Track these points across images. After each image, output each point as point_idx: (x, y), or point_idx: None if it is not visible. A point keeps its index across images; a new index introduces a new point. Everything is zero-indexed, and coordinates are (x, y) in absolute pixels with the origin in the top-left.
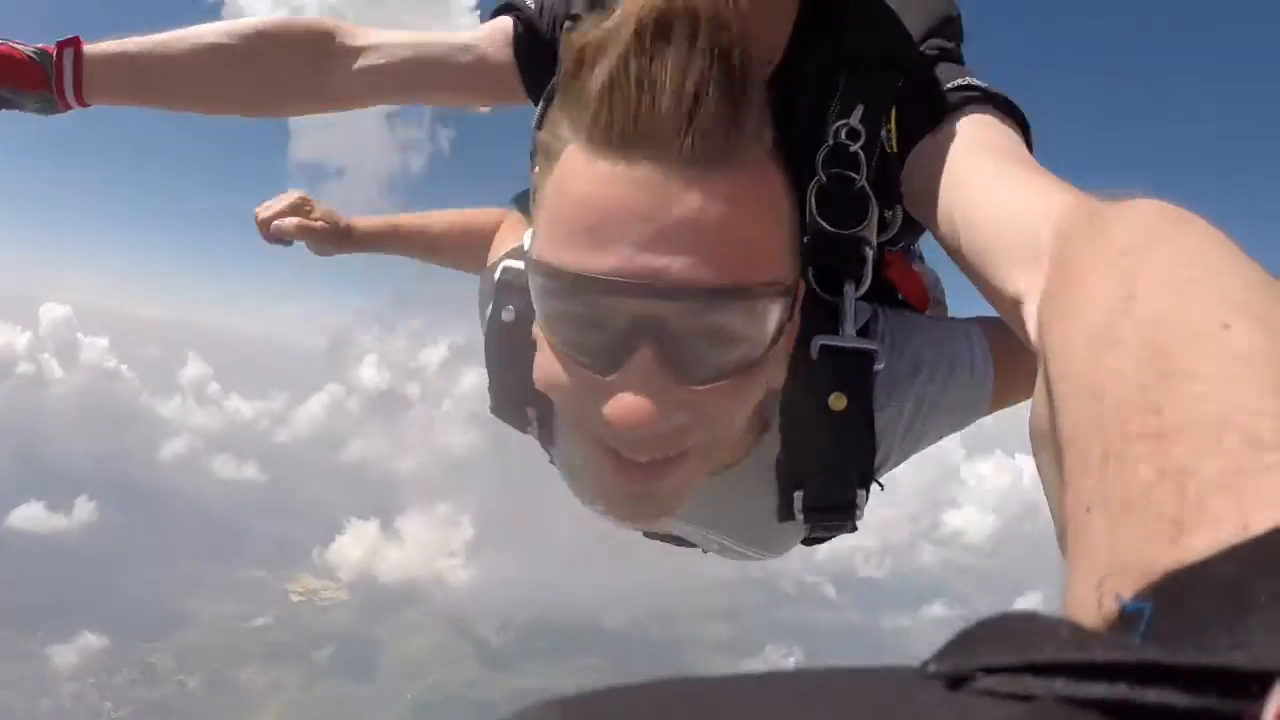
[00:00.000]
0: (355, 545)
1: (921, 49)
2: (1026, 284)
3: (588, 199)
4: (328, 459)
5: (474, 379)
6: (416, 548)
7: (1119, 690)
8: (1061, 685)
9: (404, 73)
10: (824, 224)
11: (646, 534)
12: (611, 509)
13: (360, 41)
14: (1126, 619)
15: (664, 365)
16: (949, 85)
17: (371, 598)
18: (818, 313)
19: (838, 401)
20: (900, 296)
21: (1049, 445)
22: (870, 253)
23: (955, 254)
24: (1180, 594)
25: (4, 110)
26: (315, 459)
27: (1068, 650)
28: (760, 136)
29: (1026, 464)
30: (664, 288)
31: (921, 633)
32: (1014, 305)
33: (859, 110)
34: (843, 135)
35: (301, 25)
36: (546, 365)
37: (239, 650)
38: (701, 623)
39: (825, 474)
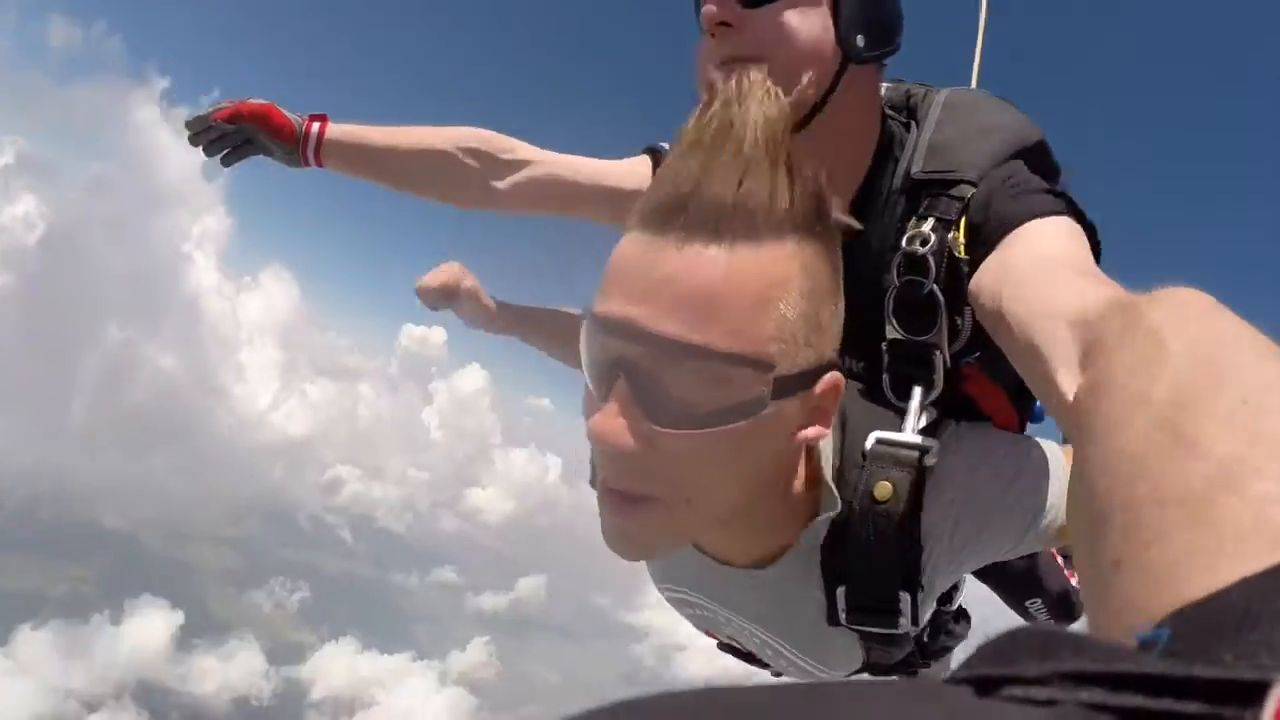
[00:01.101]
0: None
1: (998, 167)
2: (1069, 381)
3: (614, 259)
4: None
5: None
6: None
7: (1133, 698)
8: (1080, 693)
9: (564, 193)
10: (897, 330)
11: (720, 646)
12: (606, 538)
13: (536, 158)
14: (1145, 645)
15: (634, 399)
16: (1017, 194)
17: None
18: (870, 416)
19: (883, 490)
20: (980, 410)
21: (1082, 514)
22: (939, 358)
23: (1011, 358)
24: (1194, 620)
25: (259, 155)
26: None
27: (1088, 662)
28: (783, 231)
29: (554, 462)
30: (633, 331)
31: (426, 596)
32: (1059, 402)
33: (931, 219)
34: (915, 242)
35: (494, 139)
36: (585, 396)
37: None
38: (209, 546)
39: (866, 569)
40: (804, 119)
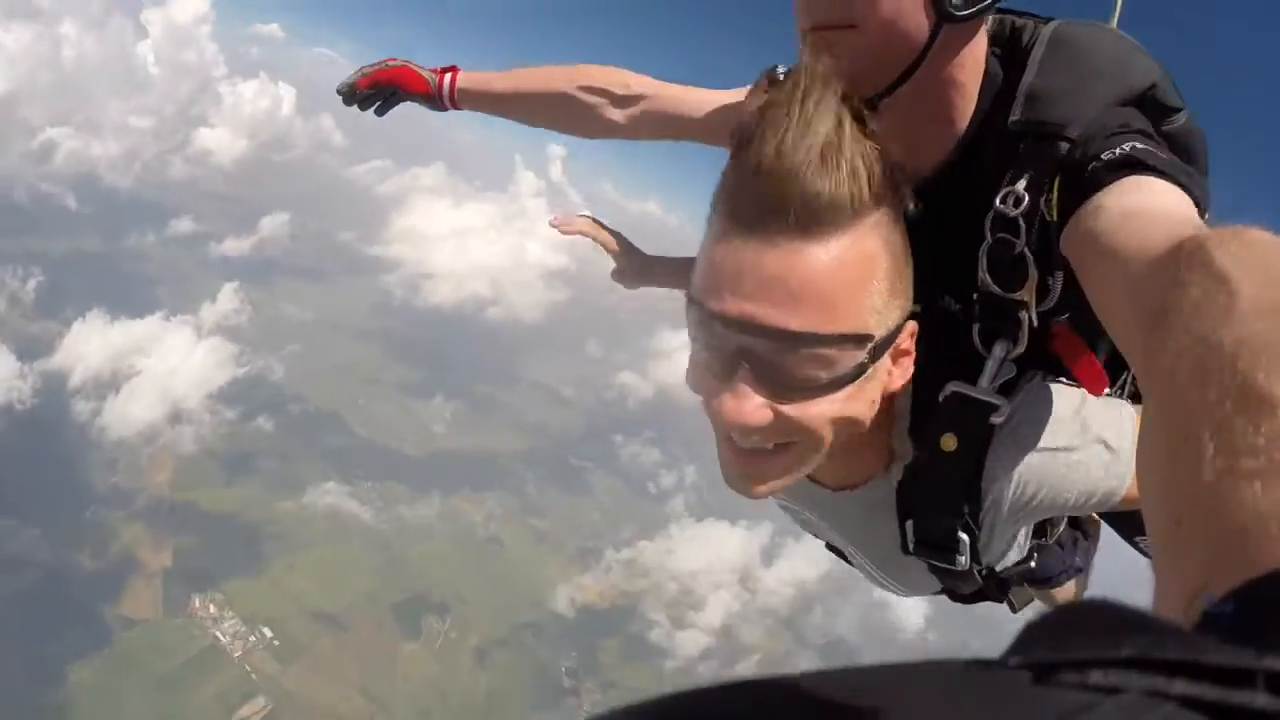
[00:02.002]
0: None
1: (1104, 119)
2: (1139, 335)
3: (719, 262)
4: None
5: None
6: None
7: (1196, 688)
8: (1142, 680)
9: (675, 124)
10: (990, 285)
11: (827, 547)
12: (728, 481)
13: (649, 91)
14: (1208, 619)
15: (758, 382)
16: (1115, 153)
17: None
18: (964, 363)
19: (948, 442)
20: (1068, 370)
21: (1147, 469)
22: (1026, 316)
23: (1102, 319)
24: (1262, 597)
25: (405, 102)
26: None
27: (1149, 645)
28: (864, 213)
29: (287, 93)
30: (751, 327)
31: (166, 251)
32: (1132, 356)
33: (1025, 178)
34: (1009, 201)
35: (611, 76)
36: (691, 370)
37: None
38: None
39: (930, 509)
40: (895, 82)
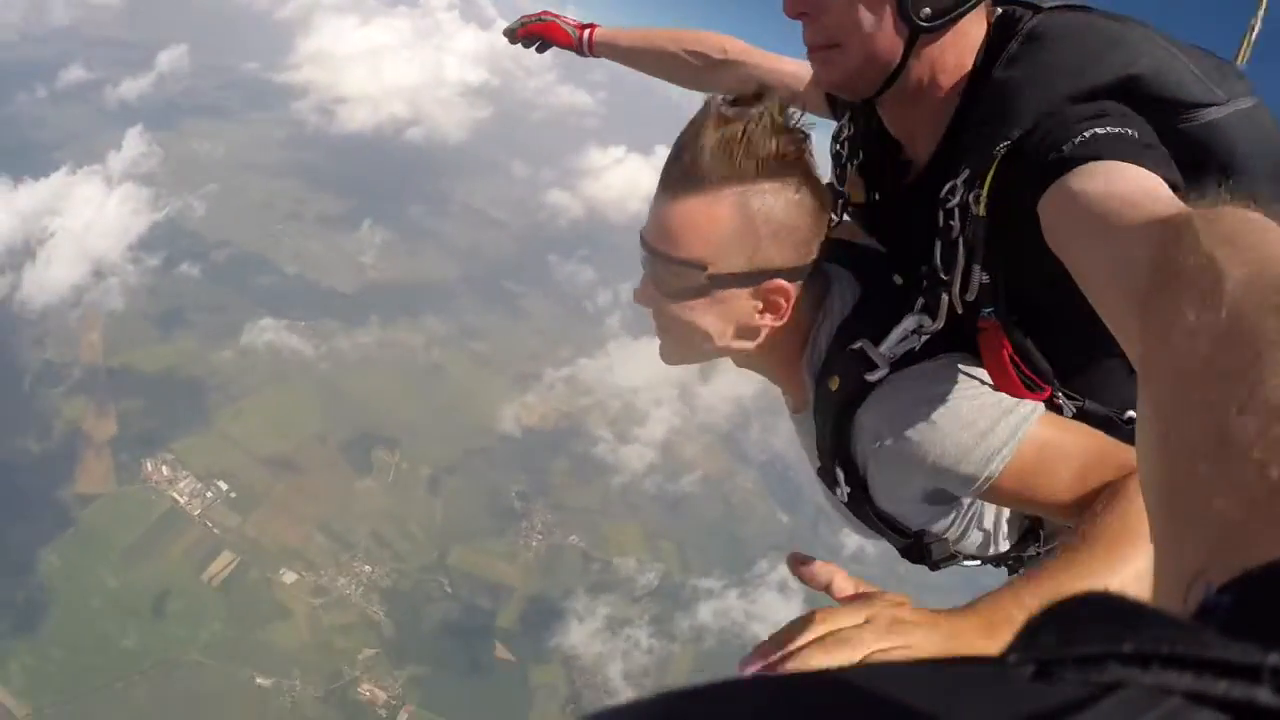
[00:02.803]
0: None
1: (1064, 111)
2: (1131, 322)
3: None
4: None
5: None
6: None
7: (1199, 682)
8: (1144, 676)
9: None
10: (936, 260)
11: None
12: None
13: (740, 58)
14: (1205, 611)
15: (645, 278)
16: (1075, 141)
17: None
18: (881, 327)
19: (833, 383)
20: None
21: (1142, 459)
22: (945, 297)
23: (1093, 304)
24: (1258, 590)
25: (551, 48)
26: None
27: (1150, 640)
28: (720, 188)
29: None
30: (642, 241)
31: (60, 104)
32: (1126, 344)
33: (965, 173)
34: (950, 193)
35: (710, 42)
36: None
37: None
38: None
39: (820, 440)
40: (883, 87)
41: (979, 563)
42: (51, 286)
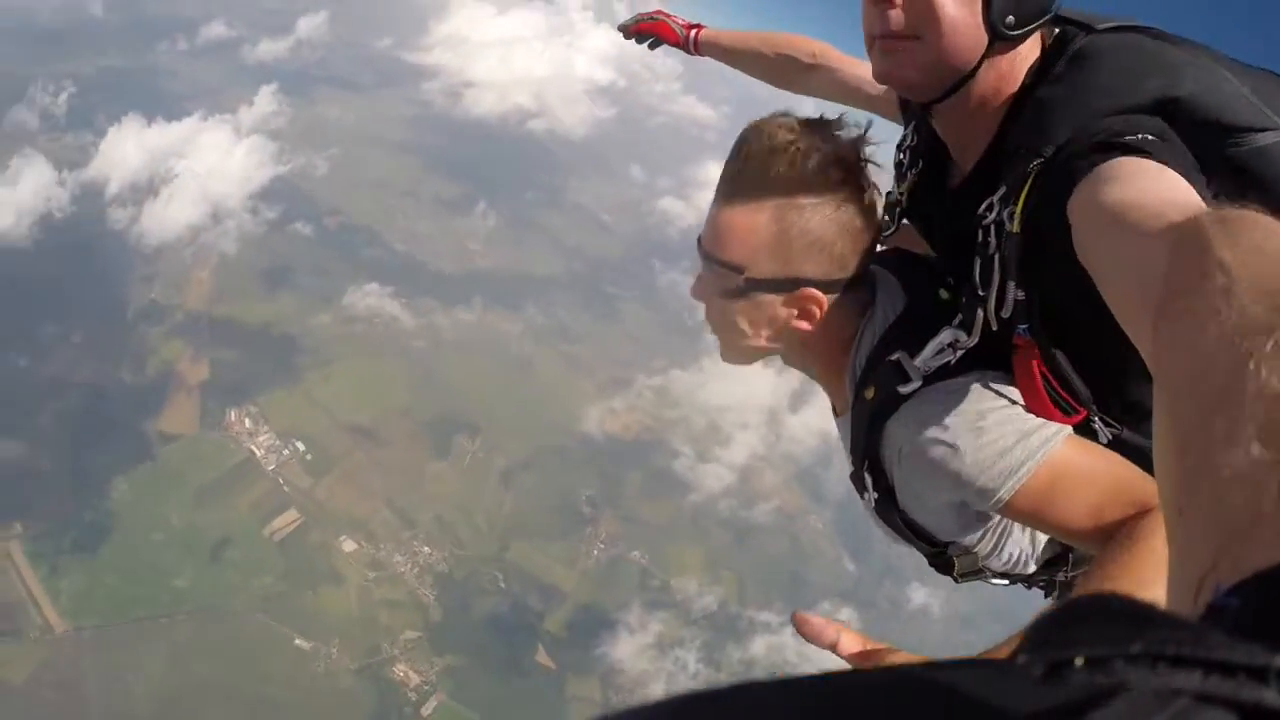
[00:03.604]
0: None
1: (1097, 125)
2: (1145, 327)
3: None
4: None
5: None
6: None
7: (1208, 683)
8: (1151, 677)
9: (843, 93)
10: (975, 275)
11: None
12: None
13: (829, 64)
14: (1214, 611)
15: (697, 276)
16: (1099, 140)
17: None
18: (919, 340)
19: (869, 393)
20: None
21: (1157, 460)
22: (981, 312)
23: (1112, 310)
24: (1268, 592)
25: (661, 46)
26: None
27: (1157, 641)
28: (762, 200)
29: None
30: (699, 239)
31: (200, 57)
32: (1142, 351)
33: (1002, 190)
34: (988, 209)
35: (801, 46)
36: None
37: None
38: None
39: (854, 445)
40: (948, 92)
41: (1007, 582)
42: (169, 223)
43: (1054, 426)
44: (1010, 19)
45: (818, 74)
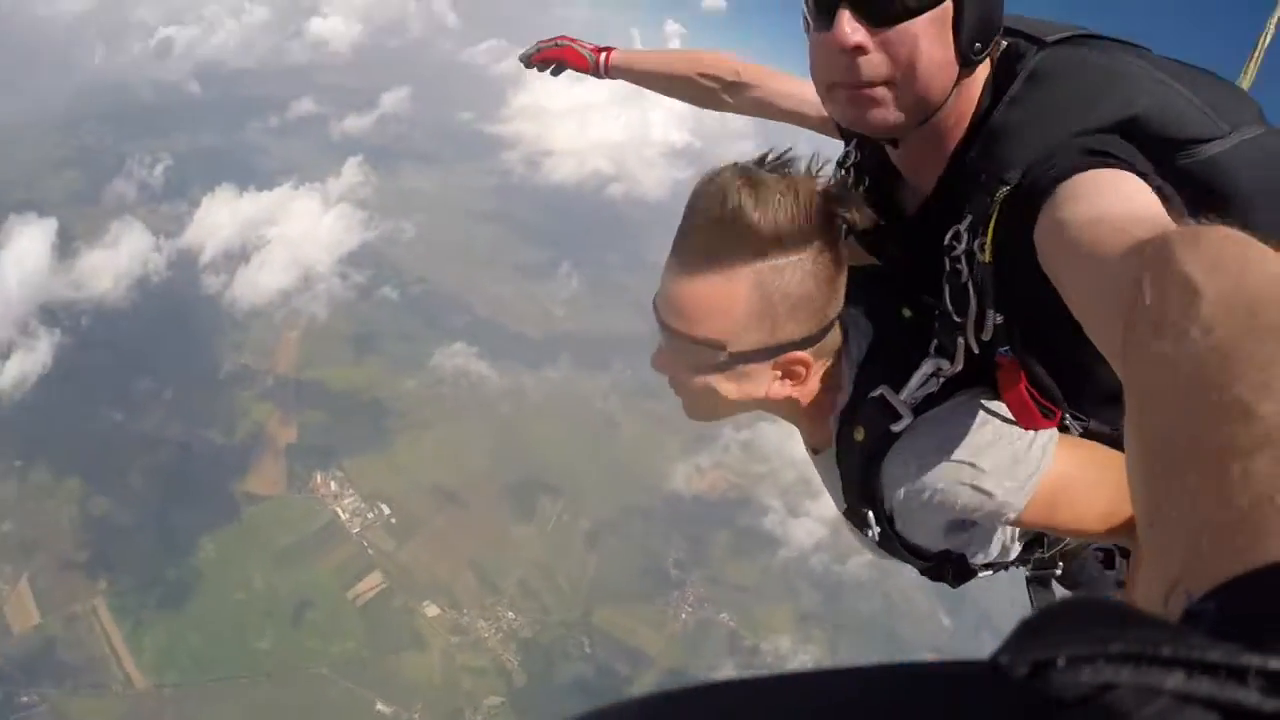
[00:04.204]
0: None
1: (1060, 148)
2: (1115, 343)
3: (666, 261)
4: None
5: None
6: None
7: (1191, 682)
8: (1135, 676)
9: (771, 111)
10: (947, 302)
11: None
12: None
13: (753, 80)
14: (1190, 618)
15: (659, 356)
16: (1050, 169)
17: None
18: (899, 371)
19: (858, 434)
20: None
21: (1130, 475)
22: (962, 340)
23: (1084, 326)
24: (1241, 596)
25: (565, 72)
26: None
27: (1140, 642)
28: (736, 266)
29: None
30: (658, 321)
31: (290, 132)
32: (1113, 364)
33: (968, 219)
34: (955, 238)
35: (724, 65)
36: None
37: None
38: (48, 170)
39: (846, 485)
40: (918, 124)
41: (992, 571)
42: (261, 288)
43: (1045, 435)
44: (977, 44)
45: (742, 92)
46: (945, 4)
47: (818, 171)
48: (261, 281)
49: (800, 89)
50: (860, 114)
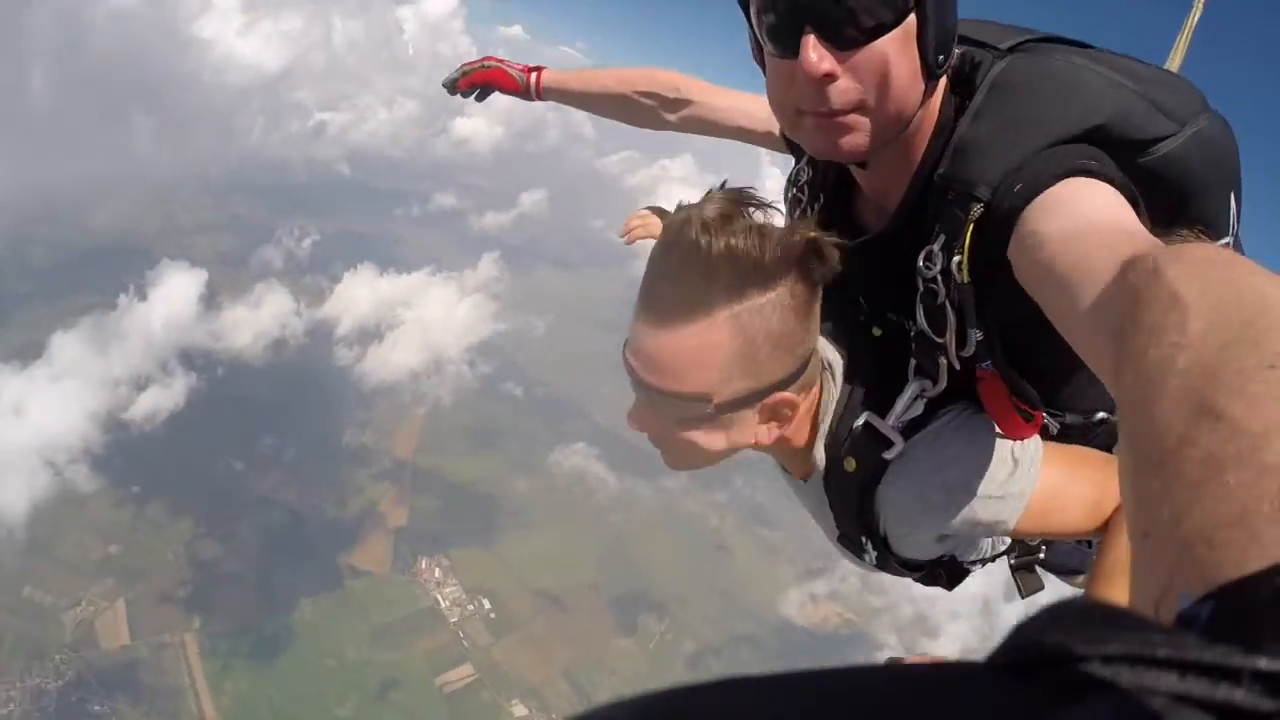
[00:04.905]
0: None
1: (1030, 164)
2: (1105, 358)
3: (634, 325)
4: None
5: None
6: None
7: (1187, 683)
8: (1130, 677)
9: (715, 127)
10: (923, 323)
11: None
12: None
13: (695, 97)
14: (1183, 621)
15: (638, 411)
16: (1020, 183)
17: None
18: (881, 395)
19: (850, 464)
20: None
21: (1122, 488)
22: (944, 360)
23: (1070, 343)
24: (1234, 599)
25: (493, 94)
26: None
27: (1134, 642)
28: (712, 314)
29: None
30: (633, 378)
31: (431, 223)
32: (1103, 379)
33: (941, 238)
34: (929, 259)
35: (662, 80)
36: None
37: None
38: (204, 234)
39: (839, 514)
40: (885, 144)
41: (981, 565)
42: (391, 368)
43: (1033, 446)
44: (940, 56)
45: (683, 109)
46: (909, 18)
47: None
48: (392, 360)
49: (746, 104)
50: (831, 142)
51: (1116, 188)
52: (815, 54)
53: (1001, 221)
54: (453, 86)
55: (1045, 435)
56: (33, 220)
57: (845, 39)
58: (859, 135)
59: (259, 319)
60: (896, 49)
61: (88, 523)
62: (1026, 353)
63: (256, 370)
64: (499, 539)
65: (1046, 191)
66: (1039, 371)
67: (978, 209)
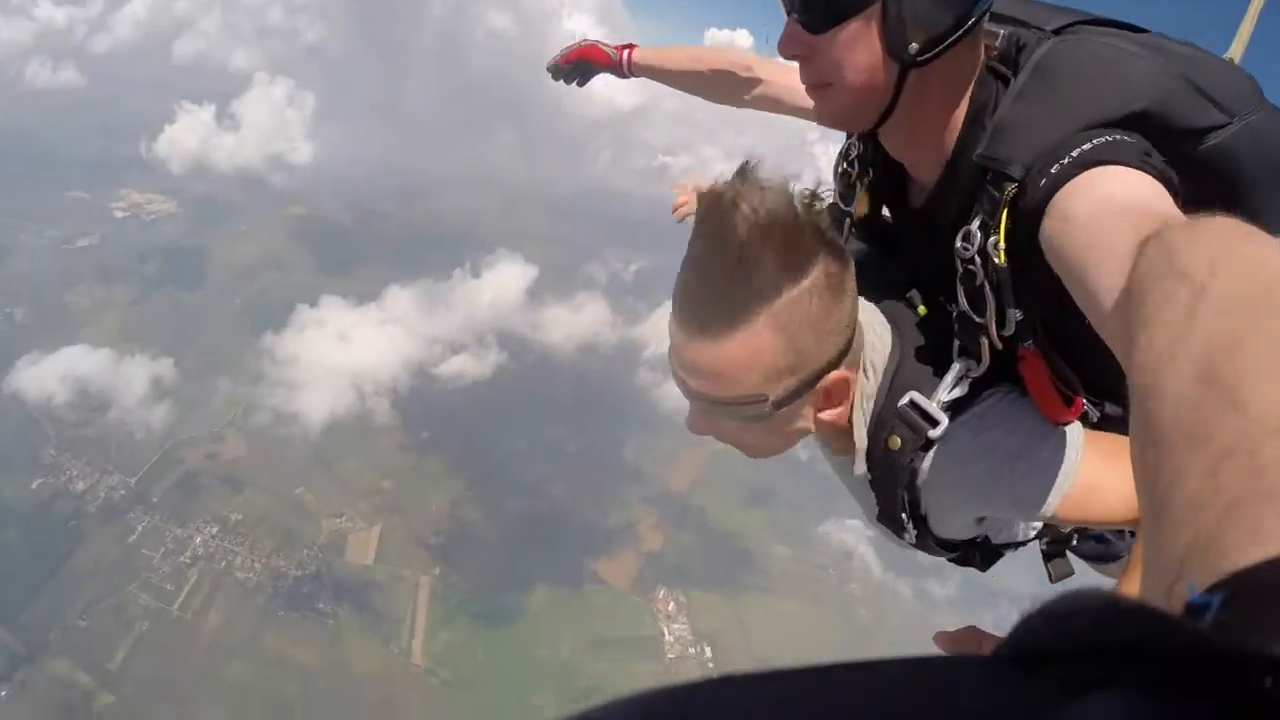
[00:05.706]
0: (189, 134)
1: (1053, 151)
2: (1121, 334)
3: (673, 335)
4: (154, 63)
5: None
6: (254, 131)
7: (1194, 676)
8: (1135, 669)
9: (783, 105)
10: (963, 303)
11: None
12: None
13: (766, 76)
14: (1192, 610)
15: (694, 413)
16: (1065, 161)
17: (203, 203)
18: (926, 374)
19: (894, 442)
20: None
21: (1135, 469)
22: (985, 340)
23: (1093, 323)
24: (1246, 589)
25: (594, 75)
26: (140, 64)
27: (1142, 633)
28: (753, 318)
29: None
30: (683, 387)
31: None
32: (1120, 357)
33: (979, 219)
34: (967, 239)
35: (736, 60)
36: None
37: (65, 272)
38: (536, 244)
39: (880, 492)
40: (880, 120)
41: (1014, 549)
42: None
43: (1075, 430)
44: (914, 46)
45: (755, 88)
46: (873, 7)
47: (809, 189)
48: None
49: None
50: (819, 110)
51: (1152, 174)
52: (787, 36)
53: (1034, 202)
54: (556, 70)
55: (1085, 424)
56: (389, 196)
57: (812, 24)
58: (831, 108)
59: (577, 321)
60: (854, 36)
61: (372, 452)
62: (1063, 337)
63: (562, 366)
64: (741, 595)
65: (1078, 175)
66: (1075, 356)
67: (1011, 188)
